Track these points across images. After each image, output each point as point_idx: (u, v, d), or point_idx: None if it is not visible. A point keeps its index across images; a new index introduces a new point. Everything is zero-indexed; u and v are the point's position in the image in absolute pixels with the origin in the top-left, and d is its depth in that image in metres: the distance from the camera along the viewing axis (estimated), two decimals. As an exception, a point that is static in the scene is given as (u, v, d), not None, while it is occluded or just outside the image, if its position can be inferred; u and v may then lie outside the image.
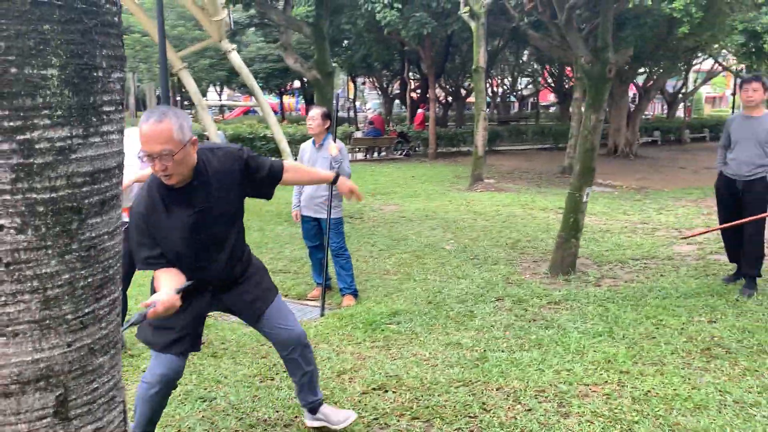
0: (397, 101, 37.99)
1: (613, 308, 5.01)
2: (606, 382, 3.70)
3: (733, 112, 29.74)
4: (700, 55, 22.14)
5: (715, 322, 4.65)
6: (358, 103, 37.06)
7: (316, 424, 3.11)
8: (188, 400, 3.55)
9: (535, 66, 33.19)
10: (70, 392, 1.41)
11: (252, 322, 2.85)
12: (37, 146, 1.25)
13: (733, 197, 5.45)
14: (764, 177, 5.24)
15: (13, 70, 1.20)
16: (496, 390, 3.63)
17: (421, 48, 17.88)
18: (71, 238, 1.34)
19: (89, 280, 1.39)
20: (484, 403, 3.46)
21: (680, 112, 29.40)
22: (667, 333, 4.45)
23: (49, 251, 1.31)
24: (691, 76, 28.01)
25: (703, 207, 10.15)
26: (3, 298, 1.29)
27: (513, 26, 15.39)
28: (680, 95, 28.51)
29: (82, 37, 1.28)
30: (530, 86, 42.23)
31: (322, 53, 8.68)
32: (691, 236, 6.93)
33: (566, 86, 30.21)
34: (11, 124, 1.22)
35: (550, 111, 45.92)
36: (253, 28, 26.86)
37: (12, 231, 1.26)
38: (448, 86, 27.65)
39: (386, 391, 3.64)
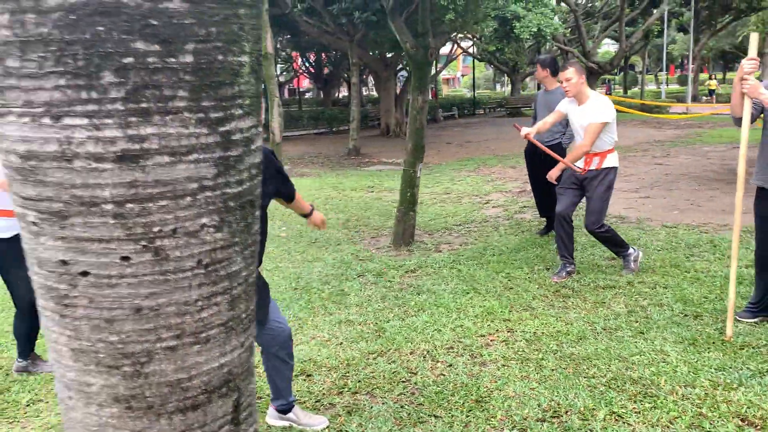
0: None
1: (464, 269, 5.57)
2: (498, 331, 4.17)
3: (474, 91, 33.44)
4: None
5: (550, 268, 5.44)
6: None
7: (284, 424, 3.07)
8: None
9: (289, 52, 33.65)
10: (242, 395, 1.35)
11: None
12: (233, 138, 1.18)
13: (538, 160, 6.35)
14: (561, 142, 6.22)
15: (220, 57, 1.13)
16: (410, 354, 3.89)
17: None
18: (249, 233, 1.28)
19: (253, 276, 1.34)
20: (408, 368, 3.69)
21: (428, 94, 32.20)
22: (521, 283, 5.10)
23: (236, 248, 1.24)
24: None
25: (485, 174, 11.45)
26: (200, 303, 1.19)
27: (286, 13, 15.53)
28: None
29: (257, 21, 1.23)
30: (284, 73, 42.68)
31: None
32: None
33: (325, 72, 31.24)
34: (216, 115, 1.14)
35: (306, 97, 46.99)
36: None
37: (211, 229, 1.17)
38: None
39: (310, 375, 3.69)
